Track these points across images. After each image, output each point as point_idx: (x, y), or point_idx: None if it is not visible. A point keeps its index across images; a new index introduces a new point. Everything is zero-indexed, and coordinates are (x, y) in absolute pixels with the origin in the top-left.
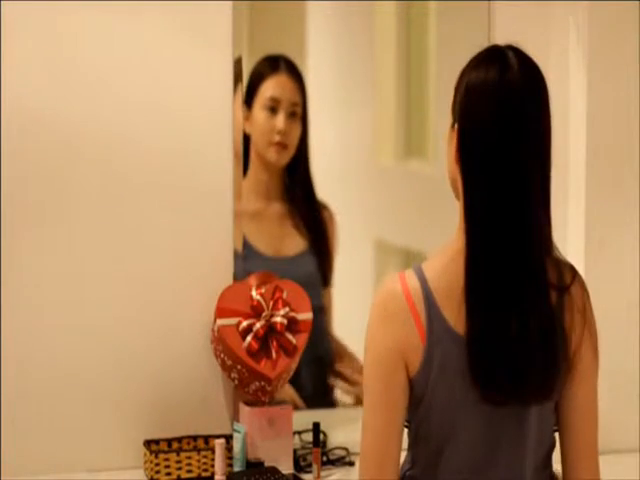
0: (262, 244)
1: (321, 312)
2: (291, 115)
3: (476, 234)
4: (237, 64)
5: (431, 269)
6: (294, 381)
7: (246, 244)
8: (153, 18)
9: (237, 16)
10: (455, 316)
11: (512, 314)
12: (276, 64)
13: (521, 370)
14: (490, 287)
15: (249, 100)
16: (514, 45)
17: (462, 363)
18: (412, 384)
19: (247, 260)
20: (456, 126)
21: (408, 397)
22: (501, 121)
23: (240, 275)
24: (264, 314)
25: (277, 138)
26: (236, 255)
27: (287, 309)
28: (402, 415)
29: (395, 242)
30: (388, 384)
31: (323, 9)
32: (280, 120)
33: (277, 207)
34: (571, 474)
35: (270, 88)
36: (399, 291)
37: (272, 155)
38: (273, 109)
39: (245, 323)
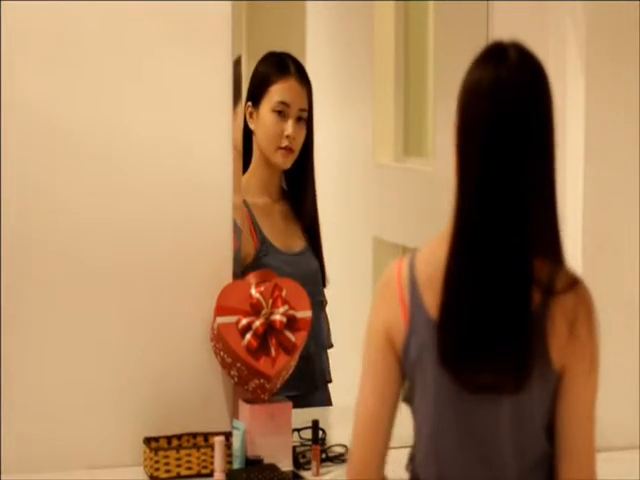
0: (276, 240)
1: (326, 307)
2: (298, 120)
3: (462, 227)
4: (236, 63)
5: (421, 256)
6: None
7: (264, 240)
8: (152, 17)
9: (236, 15)
10: (434, 303)
11: (484, 304)
12: (286, 66)
13: (486, 359)
14: (466, 276)
15: (256, 98)
16: (516, 42)
17: (436, 351)
18: (401, 367)
19: (267, 256)
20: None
21: (399, 376)
22: (496, 120)
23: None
24: (263, 312)
25: (285, 143)
26: (235, 226)
27: (286, 307)
28: (392, 390)
29: (393, 239)
30: (377, 361)
31: (323, 9)
32: (289, 126)
33: (279, 205)
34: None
35: (280, 92)
36: (394, 277)
37: (279, 158)
38: (281, 113)
39: (244, 321)
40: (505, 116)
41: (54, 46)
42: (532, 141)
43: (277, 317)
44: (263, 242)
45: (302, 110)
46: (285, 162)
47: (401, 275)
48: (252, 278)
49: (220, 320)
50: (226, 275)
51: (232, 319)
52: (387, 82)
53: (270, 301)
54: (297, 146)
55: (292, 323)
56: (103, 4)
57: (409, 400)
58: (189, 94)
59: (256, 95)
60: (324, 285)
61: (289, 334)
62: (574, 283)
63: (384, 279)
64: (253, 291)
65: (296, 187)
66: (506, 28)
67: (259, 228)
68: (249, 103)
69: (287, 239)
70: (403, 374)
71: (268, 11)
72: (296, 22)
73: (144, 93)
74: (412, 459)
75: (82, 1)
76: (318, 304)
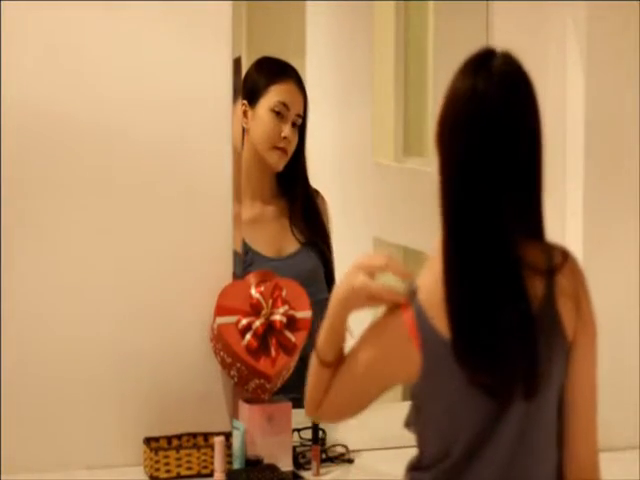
0: (263, 246)
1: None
2: (292, 125)
3: (450, 238)
4: (237, 65)
5: (422, 279)
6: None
7: (248, 248)
8: (153, 17)
9: (236, 16)
10: (442, 321)
11: (491, 308)
12: (285, 70)
13: (506, 363)
14: (466, 284)
15: (253, 96)
16: (505, 50)
17: (454, 366)
18: (413, 392)
19: (252, 265)
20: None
21: (381, 393)
22: (475, 128)
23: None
24: (263, 312)
25: (281, 144)
26: (236, 255)
27: (286, 307)
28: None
29: (393, 240)
30: (372, 383)
31: (323, 9)
32: (287, 128)
33: (271, 207)
34: (570, 460)
35: (281, 92)
36: (401, 317)
37: (273, 158)
38: (280, 114)
39: (244, 321)
40: (485, 125)
41: (53, 47)
42: (512, 152)
43: (277, 317)
44: (247, 253)
45: (298, 116)
46: (279, 163)
47: (412, 324)
48: (252, 278)
49: (220, 320)
50: (226, 275)
51: (232, 319)
52: (387, 82)
53: (270, 301)
54: (291, 150)
55: (292, 323)
56: (103, 4)
57: (413, 424)
58: (189, 94)
59: (254, 93)
60: (330, 282)
61: (289, 334)
62: (566, 256)
63: (394, 324)
64: (253, 291)
65: (290, 188)
66: (506, 28)
67: (244, 240)
68: (244, 101)
69: (278, 243)
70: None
71: (268, 11)
72: (296, 22)
73: (144, 93)
74: (416, 469)
75: (82, 1)
76: (319, 303)
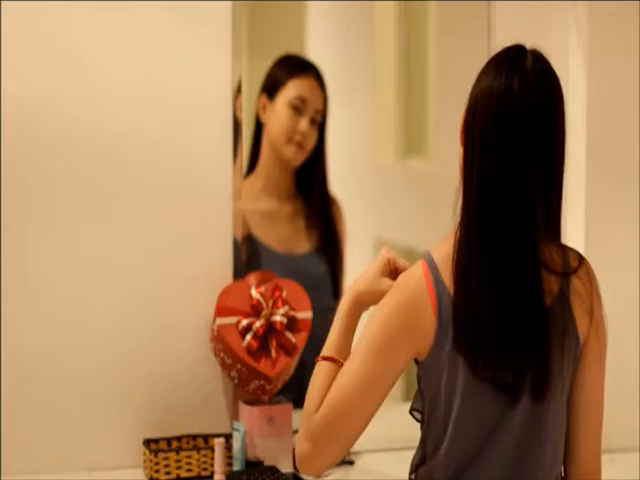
0: (273, 242)
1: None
2: (312, 121)
3: (472, 234)
4: (237, 66)
5: (436, 250)
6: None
7: (257, 242)
8: (152, 17)
9: (236, 16)
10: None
11: (497, 295)
12: (305, 65)
13: (516, 358)
14: (477, 260)
15: (272, 90)
16: (533, 48)
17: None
18: (423, 367)
19: (260, 258)
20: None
21: (394, 379)
22: (507, 125)
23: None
24: (264, 313)
25: (298, 138)
26: (237, 253)
27: (287, 308)
28: (386, 384)
29: (395, 240)
30: (387, 360)
31: (323, 9)
32: (304, 123)
33: (287, 206)
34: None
35: (299, 87)
36: (423, 283)
37: (290, 152)
38: (297, 109)
39: (245, 322)
40: (519, 124)
41: (54, 47)
42: (541, 148)
43: (277, 318)
44: (250, 241)
45: (317, 112)
46: (296, 157)
47: (429, 279)
48: (252, 279)
49: (220, 321)
50: (226, 275)
51: (232, 320)
52: (388, 82)
53: (270, 302)
54: (309, 145)
55: (292, 324)
56: (103, 4)
57: (419, 410)
58: (189, 93)
59: (273, 87)
60: (337, 292)
61: (290, 335)
62: (581, 257)
63: (416, 287)
64: (253, 292)
65: (307, 188)
66: (507, 28)
67: (253, 232)
68: (264, 95)
69: (290, 241)
70: (422, 379)
71: (268, 11)
72: (296, 22)
73: (144, 92)
74: (423, 464)
75: (82, 1)
76: (321, 310)
